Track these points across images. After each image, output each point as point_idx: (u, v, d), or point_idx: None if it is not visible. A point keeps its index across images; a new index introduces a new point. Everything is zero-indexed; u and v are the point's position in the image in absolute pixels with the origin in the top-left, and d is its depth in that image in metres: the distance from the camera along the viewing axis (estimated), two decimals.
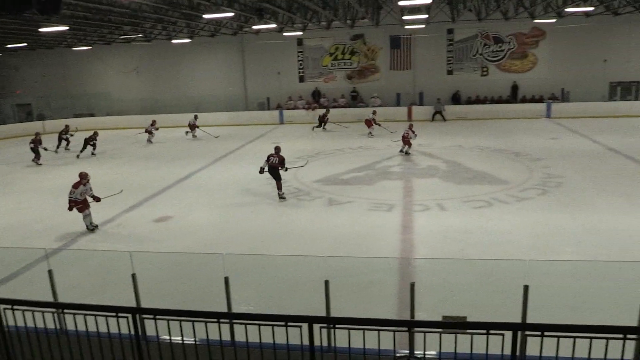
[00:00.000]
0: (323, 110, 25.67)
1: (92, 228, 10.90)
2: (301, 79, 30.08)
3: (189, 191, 14.27)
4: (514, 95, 27.75)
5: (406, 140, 17.63)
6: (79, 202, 10.80)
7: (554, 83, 27.06)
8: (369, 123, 22.84)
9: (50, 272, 5.33)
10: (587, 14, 24.30)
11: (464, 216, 10.81)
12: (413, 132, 17.87)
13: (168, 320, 4.05)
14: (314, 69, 29.88)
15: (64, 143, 21.93)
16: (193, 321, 4.04)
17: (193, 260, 8.68)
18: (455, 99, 28.13)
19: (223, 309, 4.63)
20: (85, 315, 4.17)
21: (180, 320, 4.06)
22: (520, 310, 4.35)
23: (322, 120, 24.88)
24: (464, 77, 28.25)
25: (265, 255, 8.56)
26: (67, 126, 22.84)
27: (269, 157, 13.13)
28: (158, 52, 30.49)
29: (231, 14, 18.22)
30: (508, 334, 3.91)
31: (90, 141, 20.76)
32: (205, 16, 18.44)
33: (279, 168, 12.99)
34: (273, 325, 4.04)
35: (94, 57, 31.16)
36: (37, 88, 32.39)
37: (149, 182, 15.25)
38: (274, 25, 22.99)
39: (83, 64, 31.90)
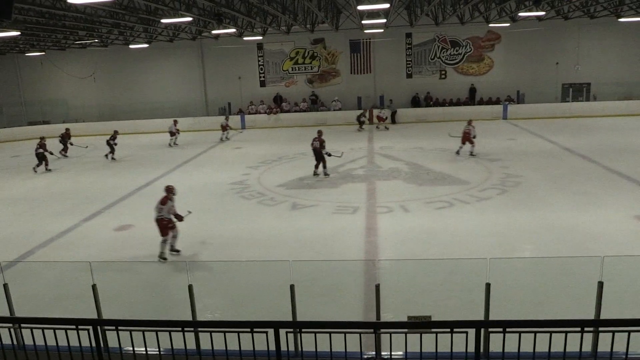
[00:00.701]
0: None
1: (165, 258, 8.98)
2: (262, 84, 29.98)
3: (150, 199, 13.91)
4: (471, 98, 28.42)
5: (467, 137, 17.05)
6: (167, 221, 9.10)
7: (510, 85, 27.85)
8: (380, 118, 25.24)
9: (5, 285, 5.13)
10: (539, 18, 25.13)
11: (427, 217, 10.98)
12: (473, 127, 17.23)
13: (130, 330, 3.96)
14: (275, 74, 29.83)
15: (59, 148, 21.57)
16: (156, 331, 3.96)
17: (156, 268, 8.53)
18: (415, 102, 28.57)
19: (188, 317, 4.55)
20: (43, 329, 4.03)
21: (143, 331, 3.97)
22: (483, 308, 4.44)
23: (360, 121, 25.21)
24: (423, 80, 28.74)
25: (229, 262, 8.48)
26: (67, 129, 22.48)
27: (313, 141, 15.15)
28: (115, 57, 29.83)
29: (189, 19, 18.00)
30: (471, 332, 3.98)
31: (111, 141, 20.07)
32: (163, 21, 18.17)
33: (322, 150, 14.94)
34: (239, 332, 4.01)
35: (49, 63, 30.25)
36: None
37: (109, 191, 14.90)
38: (233, 30, 22.81)
39: (37, 70, 30.87)
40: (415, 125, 25.99)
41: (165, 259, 9.01)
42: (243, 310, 7.06)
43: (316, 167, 15.17)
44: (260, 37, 26.42)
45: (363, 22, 20.87)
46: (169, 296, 7.42)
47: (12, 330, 4.26)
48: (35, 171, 18.15)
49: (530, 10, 20.49)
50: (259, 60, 29.66)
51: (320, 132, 15.43)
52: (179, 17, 17.41)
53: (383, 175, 15.07)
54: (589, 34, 26.84)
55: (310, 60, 29.36)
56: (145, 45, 26.78)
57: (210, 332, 4.07)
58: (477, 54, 28.21)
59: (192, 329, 4.27)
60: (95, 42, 26.01)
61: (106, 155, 20.23)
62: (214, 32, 23.87)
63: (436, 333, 4.03)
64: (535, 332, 3.92)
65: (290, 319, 4.51)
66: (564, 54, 27.37)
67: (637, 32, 26.12)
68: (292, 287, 4.59)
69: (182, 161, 19.10)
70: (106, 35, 24.42)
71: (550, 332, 3.89)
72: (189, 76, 30.21)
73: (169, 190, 9.33)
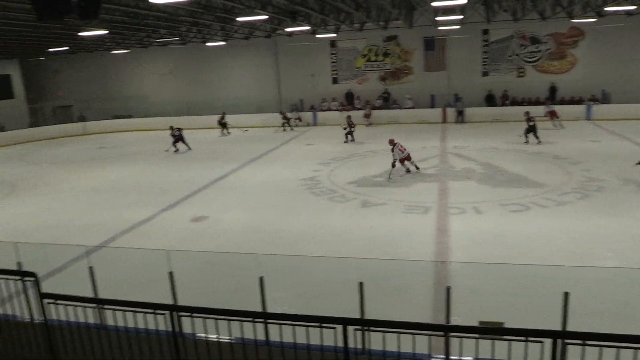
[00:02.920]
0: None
1: (417, 168, 15.03)
2: (334, 81, 30.08)
3: (224, 192, 14.44)
4: (552, 97, 27.10)
5: None
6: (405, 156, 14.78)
7: (594, 84, 26.30)
8: (552, 114, 22.91)
9: (91, 268, 5.47)
10: (628, 12, 23.55)
11: (501, 220, 10.62)
12: None
13: (204, 318, 4.09)
14: (347, 71, 29.84)
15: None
16: (229, 320, 4.07)
17: (228, 259, 8.77)
18: (489, 100, 27.66)
19: (257, 308, 4.65)
20: (124, 311, 4.25)
21: (216, 319, 4.09)
22: (560, 318, 4.24)
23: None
24: (499, 79, 27.77)
25: (299, 256, 8.58)
26: (223, 113, 26.17)
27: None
28: (193, 54, 30.94)
29: (265, 17, 18.35)
30: (547, 342, 3.81)
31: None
32: (239, 19, 18.61)
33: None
34: (307, 326, 4.04)
35: (132, 60, 31.87)
36: (78, 90, 33.32)
37: (185, 182, 15.50)
38: (307, 28, 23.02)
39: (121, 67, 32.65)
40: (490, 124, 25.17)
41: (418, 168, 15.14)
42: (311, 305, 7.13)
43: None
44: (334, 35, 26.52)
45: (438, 18, 20.46)
46: (240, 287, 7.61)
47: (95, 310, 4.52)
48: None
49: (619, 5, 19.29)
50: (331, 58, 29.79)
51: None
52: (254, 15, 17.79)
53: (456, 176, 14.72)
54: None
55: (383, 57, 29.13)
56: (222, 43, 27.58)
57: (280, 324, 4.13)
58: (559, 51, 26.89)
59: (262, 320, 4.35)
60: (175, 40, 27.06)
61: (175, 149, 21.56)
62: (288, 30, 24.19)
63: (509, 340, 3.88)
64: (618, 347, 3.69)
65: (357, 316, 4.50)
66: None
67: None
68: (360, 284, 4.58)
69: (255, 156, 19.53)
70: (185, 33, 25.34)
71: (636, 348, 3.65)
72: (263, 73, 30.83)
73: (392, 141, 15.08)
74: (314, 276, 8.04)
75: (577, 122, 24.65)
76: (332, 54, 29.70)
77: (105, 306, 4.54)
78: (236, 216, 11.87)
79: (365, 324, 4.16)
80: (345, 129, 21.90)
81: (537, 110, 23.58)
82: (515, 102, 27.32)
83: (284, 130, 26.96)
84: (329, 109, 29.22)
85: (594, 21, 23.89)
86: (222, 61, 31.00)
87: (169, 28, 22.37)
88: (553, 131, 21.82)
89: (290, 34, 27.06)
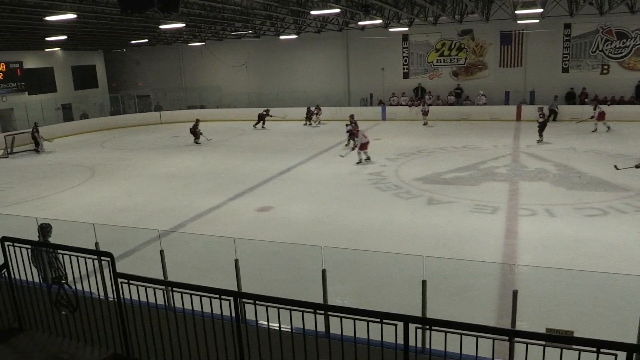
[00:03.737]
0: None
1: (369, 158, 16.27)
2: (405, 75, 29.65)
3: (290, 183, 14.64)
4: (638, 96, 25.45)
5: None
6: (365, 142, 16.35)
7: None
8: (603, 115, 21.12)
9: (162, 252, 5.71)
10: None
11: (575, 224, 10.13)
12: None
13: (267, 306, 4.17)
14: (418, 65, 29.33)
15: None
16: (290, 310, 4.13)
17: (291, 250, 8.91)
18: (570, 98, 26.30)
19: (318, 299, 4.69)
20: (191, 294, 4.40)
21: (278, 308, 4.16)
22: (637, 332, 4.00)
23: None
24: (581, 75, 26.34)
25: (362, 251, 8.58)
26: (267, 110, 27.01)
27: None
28: (266, 47, 31.47)
29: (337, 10, 18.37)
30: (621, 355, 3.60)
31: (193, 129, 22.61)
32: (313, 12, 18.73)
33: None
34: (368, 321, 4.04)
35: (207, 52, 32.83)
36: (155, 81, 34.80)
37: (253, 173, 15.84)
38: (379, 21, 22.83)
39: (196, 59, 33.72)
40: (569, 123, 23.98)
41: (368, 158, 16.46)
42: (371, 300, 7.12)
43: None
44: (406, 29, 26.10)
45: (517, 12, 19.70)
46: (302, 277, 7.72)
47: (164, 292, 4.72)
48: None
49: None
50: (403, 52, 29.37)
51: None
52: (327, 8, 17.85)
53: (528, 176, 14.17)
54: None
55: (456, 52, 28.39)
56: (295, 36, 27.87)
57: (341, 317, 4.14)
58: None
59: (322, 312, 4.38)
60: (249, 33, 27.63)
61: (196, 142, 22.44)
62: (360, 23, 24.10)
63: (579, 351, 3.70)
64: None
65: (418, 314, 4.44)
66: None
67: None
68: (424, 282, 4.52)
69: (322, 149, 19.64)
70: (259, 26, 25.82)
71: None
72: (333, 66, 30.89)
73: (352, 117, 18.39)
74: (376, 271, 8.01)
75: None
76: (404, 48, 29.27)
77: (175, 289, 4.72)
78: (301, 208, 12.01)
79: (428, 322, 4.10)
80: (347, 125, 19.87)
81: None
82: (598, 101, 25.74)
83: (309, 124, 27.22)
84: (399, 104, 28.88)
85: None
86: (294, 54, 31.33)
87: (244, 21, 22.86)
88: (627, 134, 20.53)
89: (363, 27, 26.94)
